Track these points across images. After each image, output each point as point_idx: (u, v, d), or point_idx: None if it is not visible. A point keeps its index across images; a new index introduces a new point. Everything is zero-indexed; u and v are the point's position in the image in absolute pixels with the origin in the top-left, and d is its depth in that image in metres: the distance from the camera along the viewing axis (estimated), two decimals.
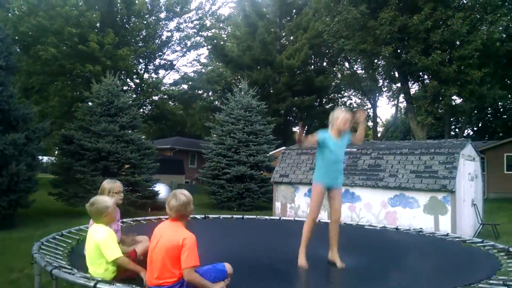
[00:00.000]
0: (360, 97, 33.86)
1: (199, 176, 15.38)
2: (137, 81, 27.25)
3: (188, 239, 2.70)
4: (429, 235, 6.14)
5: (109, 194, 3.71)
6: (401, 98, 27.06)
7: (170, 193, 2.93)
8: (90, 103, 11.89)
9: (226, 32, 34.58)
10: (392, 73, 20.14)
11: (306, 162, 10.18)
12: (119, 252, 3.03)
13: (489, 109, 31.38)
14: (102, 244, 3.01)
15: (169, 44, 28.03)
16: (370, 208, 8.79)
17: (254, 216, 7.49)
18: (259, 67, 27.27)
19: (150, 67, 28.67)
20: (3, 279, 4.69)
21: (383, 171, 8.82)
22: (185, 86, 31.06)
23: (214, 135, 15.11)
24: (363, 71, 25.80)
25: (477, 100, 18.41)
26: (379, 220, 8.50)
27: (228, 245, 4.94)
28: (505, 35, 17.57)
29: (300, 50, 25.48)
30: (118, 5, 23.64)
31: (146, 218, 6.51)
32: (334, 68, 29.11)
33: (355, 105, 33.89)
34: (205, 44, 28.99)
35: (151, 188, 11.38)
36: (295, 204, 10.02)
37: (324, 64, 30.76)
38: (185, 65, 67.22)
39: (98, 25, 23.06)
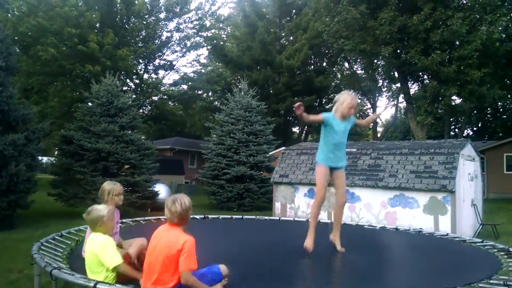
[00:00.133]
0: (360, 97, 33.85)
1: (199, 176, 15.38)
2: (137, 81, 27.24)
3: (188, 242, 2.69)
4: (429, 235, 6.14)
5: (108, 196, 3.68)
6: (400, 98, 27.08)
7: (169, 198, 2.87)
8: (89, 104, 11.89)
9: (225, 33, 34.58)
10: (392, 73, 20.13)
11: (306, 162, 10.17)
12: (119, 259, 2.99)
13: (488, 109, 31.39)
14: (99, 253, 2.98)
15: (169, 45, 28.03)
16: (370, 208, 8.79)
17: (254, 217, 7.48)
18: (258, 67, 27.26)
19: (149, 68, 28.68)
20: (2, 280, 4.69)
21: (383, 171, 8.82)
22: (184, 87, 31.07)
23: (214, 136, 15.11)
24: (363, 71, 25.80)
25: (476, 100, 18.42)
26: (379, 220, 8.50)
27: (228, 245, 4.94)
28: (504, 35, 17.56)
29: (299, 50, 25.48)
30: (118, 5, 23.64)
31: (146, 218, 6.50)
32: (334, 68, 29.11)
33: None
34: (205, 45, 28.99)
35: (151, 189, 11.39)
36: (295, 204, 10.02)
37: (324, 64, 30.75)
38: (185, 66, 67.42)
39: (97, 25, 23.06)
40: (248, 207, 13.19)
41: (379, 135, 31.57)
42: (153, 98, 28.74)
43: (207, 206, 13.90)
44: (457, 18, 15.19)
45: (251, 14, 27.48)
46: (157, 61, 28.51)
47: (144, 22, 24.72)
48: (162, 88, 29.74)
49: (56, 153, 18.83)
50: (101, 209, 3.17)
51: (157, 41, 26.92)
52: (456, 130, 32.25)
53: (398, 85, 21.00)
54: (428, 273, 3.92)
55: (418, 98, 19.37)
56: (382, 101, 59.57)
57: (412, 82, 20.82)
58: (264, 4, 29.65)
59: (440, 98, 16.83)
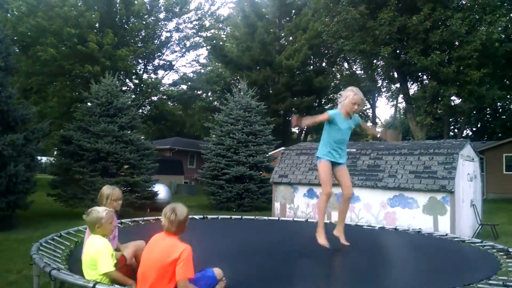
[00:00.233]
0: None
1: (198, 176, 15.38)
2: (136, 81, 27.23)
3: (185, 251, 2.68)
4: (428, 235, 6.14)
5: (107, 201, 3.66)
6: (400, 99, 27.14)
7: (168, 207, 2.83)
8: (89, 104, 11.89)
9: (225, 33, 34.58)
10: (391, 74, 20.15)
11: (305, 162, 10.17)
12: (109, 266, 2.97)
13: (488, 109, 31.42)
14: (94, 256, 2.99)
15: (168, 45, 28.01)
16: (370, 208, 8.79)
17: (253, 217, 7.48)
18: (258, 68, 27.27)
19: (149, 68, 28.66)
20: (1, 281, 4.68)
21: (382, 171, 8.82)
22: (184, 87, 31.04)
23: (213, 136, 15.11)
24: (362, 72, 25.83)
25: (476, 101, 18.43)
26: (379, 220, 8.50)
27: (227, 245, 4.93)
28: (504, 36, 17.58)
29: (299, 51, 25.49)
30: (117, 5, 23.62)
31: (145, 218, 6.49)
32: (333, 69, 29.14)
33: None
34: (204, 45, 28.98)
35: (150, 189, 11.38)
36: (294, 204, 10.02)
37: (323, 64, 30.78)
38: (184, 66, 67.64)
39: (97, 25, 23.04)
40: (248, 207, 13.19)
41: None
42: (153, 98, 28.73)
43: (206, 206, 13.89)
44: (457, 18, 15.20)
45: (250, 14, 27.48)
46: (156, 61, 28.53)
47: (144, 22, 24.71)
48: (162, 88, 29.73)
49: (55, 153, 18.81)
50: (100, 211, 3.16)
51: (156, 41, 26.91)
52: (456, 130, 32.28)
53: (398, 85, 21.03)
54: (427, 273, 3.92)
55: (418, 98, 19.39)
56: (381, 101, 59.66)
57: (412, 82, 20.83)
58: (263, 4, 29.65)
59: (439, 99, 16.84)
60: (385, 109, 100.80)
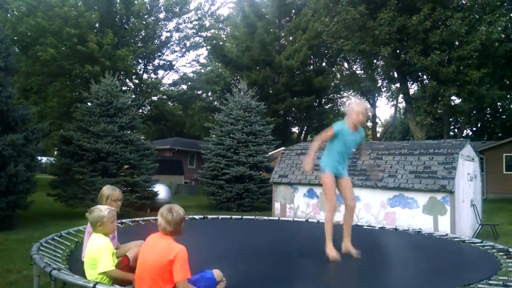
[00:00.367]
0: (359, 97, 33.87)
1: (198, 176, 15.38)
2: (136, 81, 27.22)
3: (180, 252, 2.68)
4: (428, 235, 6.14)
5: (107, 201, 3.67)
6: (400, 99, 27.12)
7: (164, 207, 2.82)
8: (89, 104, 11.88)
9: (225, 33, 34.58)
10: (391, 74, 20.15)
11: None
12: (109, 265, 2.97)
13: (488, 109, 31.42)
14: (95, 255, 2.99)
15: (168, 45, 28.00)
16: (369, 208, 8.79)
17: (253, 217, 7.48)
18: (258, 68, 27.27)
19: (149, 68, 28.65)
20: (1, 281, 4.68)
21: (382, 171, 8.82)
22: (184, 87, 31.04)
23: (213, 136, 15.11)
24: (362, 72, 25.82)
25: (476, 100, 18.44)
26: (379, 220, 8.50)
27: (227, 245, 4.93)
28: (504, 36, 17.57)
29: (299, 51, 25.49)
30: (117, 5, 23.61)
31: (145, 219, 6.49)
32: (333, 69, 29.12)
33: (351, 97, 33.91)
34: (204, 45, 28.98)
35: (150, 189, 11.38)
36: (294, 204, 10.02)
37: (323, 64, 30.78)
38: (184, 66, 67.80)
39: (97, 25, 23.03)
40: (248, 207, 13.19)
41: (378, 135, 31.59)
42: (153, 98, 28.72)
43: (206, 206, 13.90)
44: (456, 18, 15.20)
45: (250, 14, 27.49)
46: (156, 61, 28.51)
47: (144, 22, 24.70)
48: (162, 88, 29.70)
49: (55, 153, 18.81)
50: (102, 209, 3.17)
51: (156, 41, 26.90)
52: (456, 130, 32.29)
53: (398, 85, 21.02)
54: (427, 274, 3.92)
55: (418, 98, 19.39)
56: (381, 101, 59.64)
57: (412, 82, 20.83)
58: (263, 4, 29.65)
59: (439, 98, 16.85)
60: (385, 109, 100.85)
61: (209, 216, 7.10)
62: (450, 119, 28.30)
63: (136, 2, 23.70)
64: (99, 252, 2.99)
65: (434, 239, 5.86)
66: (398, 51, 18.07)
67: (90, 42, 19.70)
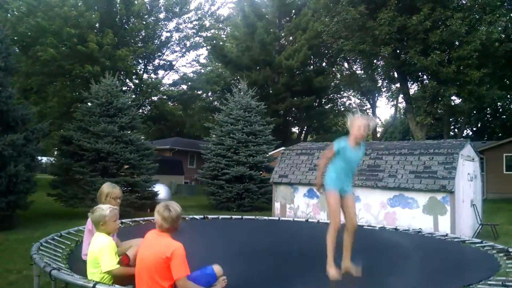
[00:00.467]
0: (359, 97, 33.91)
1: (198, 176, 15.38)
2: (136, 81, 27.22)
3: (177, 250, 2.67)
4: (428, 235, 6.14)
5: (106, 199, 3.67)
6: (400, 99, 27.12)
7: (161, 204, 2.81)
8: (89, 104, 11.88)
9: (225, 33, 34.59)
10: (391, 74, 20.15)
11: (305, 162, 10.17)
12: (113, 264, 2.98)
13: (488, 109, 31.41)
14: (98, 254, 3.00)
15: (168, 45, 28.00)
16: (369, 208, 8.79)
17: (253, 217, 7.48)
18: (258, 68, 27.27)
19: (149, 68, 28.65)
20: (1, 281, 4.69)
21: (382, 171, 8.82)
22: (184, 87, 31.04)
23: (213, 136, 15.11)
24: (362, 72, 25.81)
25: (476, 101, 18.43)
26: (379, 220, 8.50)
27: (227, 245, 4.94)
28: (504, 36, 17.58)
29: (299, 51, 25.50)
30: (117, 5, 23.61)
31: (145, 218, 6.49)
32: (333, 69, 29.13)
33: (354, 105, 33.92)
34: (204, 45, 28.98)
35: (150, 189, 11.38)
36: (294, 204, 10.02)
37: (323, 64, 30.78)
38: (184, 66, 67.95)
39: (97, 25, 23.03)
40: (248, 207, 13.19)
41: (378, 135, 31.60)
42: (153, 98, 28.72)
43: (206, 206, 13.90)
44: (457, 18, 15.20)
45: (250, 14, 27.49)
46: (156, 61, 28.52)
47: (144, 22, 24.70)
48: (162, 88, 29.70)
49: (55, 153, 18.81)
50: (104, 209, 3.18)
51: (156, 41, 26.90)
52: (456, 130, 32.29)
53: (398, 85, 21.02)
54: (427, 274, 3.93)
55: (418, 98, 19.38)
56: (381, 101, 59.65)
57: (412, 82, 20.84)
58: (263, 5, 29.66)
59: (439, 98, 16.85)
60: (385, 109, 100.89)
61: (210, 216, 7.10)
62: (450, 119, 28.29)
63: (136, 2, 23.71)
64: (102, 251, 2.99)
65: (434, 239, 5.86)
66: (398, 51, 18.07)
67: (90, 42, 19.70)
